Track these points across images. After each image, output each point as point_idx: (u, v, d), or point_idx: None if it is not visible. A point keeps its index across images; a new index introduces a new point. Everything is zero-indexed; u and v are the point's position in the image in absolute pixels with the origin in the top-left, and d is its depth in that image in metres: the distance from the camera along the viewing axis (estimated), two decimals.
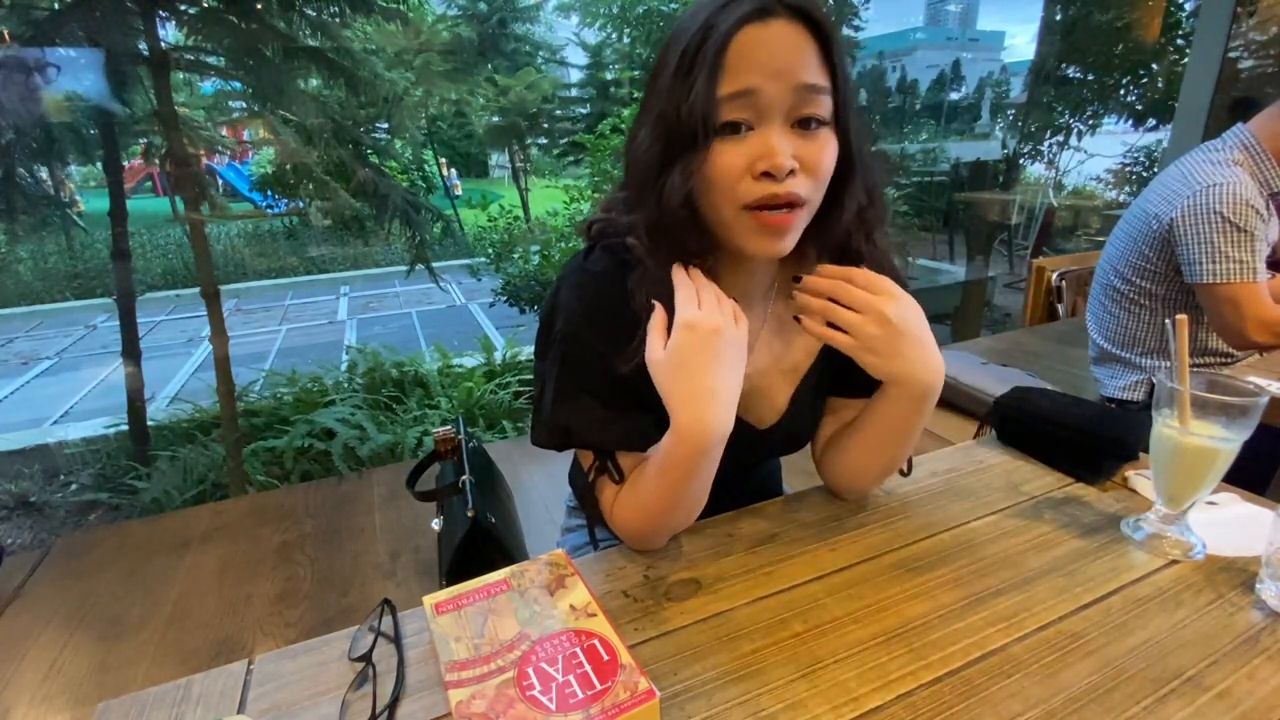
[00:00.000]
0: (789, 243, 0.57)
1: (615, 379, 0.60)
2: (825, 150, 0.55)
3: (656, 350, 0.56)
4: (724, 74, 0.52)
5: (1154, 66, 5.27)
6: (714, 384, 0.54)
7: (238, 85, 3.49)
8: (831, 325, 0.59)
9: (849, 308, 0.57)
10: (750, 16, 0.51)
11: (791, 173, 0.53)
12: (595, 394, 0.61)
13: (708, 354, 0.54)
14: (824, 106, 0.54)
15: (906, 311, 0.57)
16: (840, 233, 0.61)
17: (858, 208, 0.60)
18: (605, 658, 0.45)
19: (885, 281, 0.58)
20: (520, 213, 7.17)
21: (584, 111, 8.12)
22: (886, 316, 0.56)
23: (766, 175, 0.53)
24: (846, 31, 6.57)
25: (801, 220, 0.56)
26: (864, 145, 0.59)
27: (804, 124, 0.54)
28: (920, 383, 0.58)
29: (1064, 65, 5.67)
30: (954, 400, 1.72)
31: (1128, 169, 5.68)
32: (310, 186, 3.58)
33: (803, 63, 0.52)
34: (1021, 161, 6.08)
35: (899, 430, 0.63)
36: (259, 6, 3.13)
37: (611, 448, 0.63)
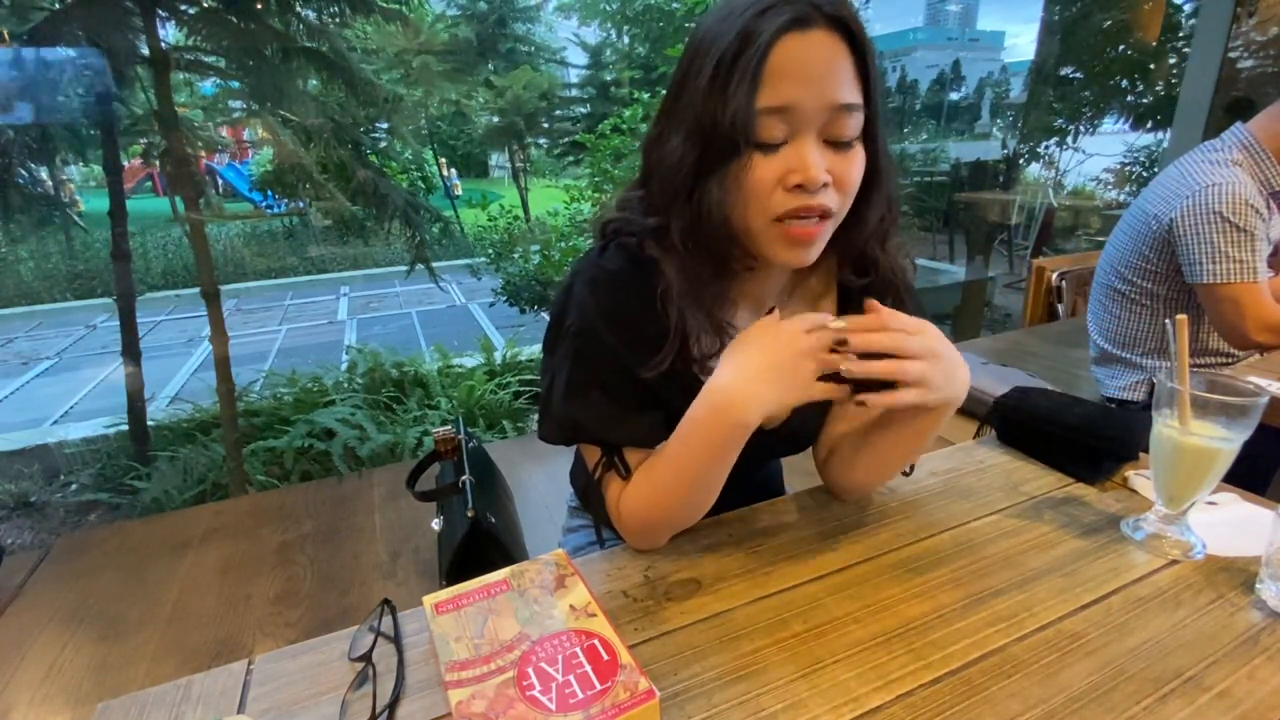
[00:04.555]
0: (814, 253, 0.57)
1: (627, 376, 0.60)
2: (855, 165, 0.55)
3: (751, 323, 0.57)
4: (764, 86, 0.52)
5: (1153, 67, 5.27)
6: (771, 376, 0.53)
7: (237, 85, 3.49)
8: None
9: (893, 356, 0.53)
10: (790, 26, 0.51)
11: (825, 185, 0.53)
12: (606, 390, 0.61)
13: (782, 348, 0.54)
14: (857, 124, 0.54)
15: (939, 337, 0.55)
16: (862, 241, 0.61)
17: (879, 217, 0.60)
18: (605, 658, 0.45)
19: (906, 317, 0.54)
20: (520, 213, 7.17)
21: (584, 111, 8.12)
22: (937, 351, 0.53)
23: (799, 188, 0.53)
24: None
25: (828, 231, 0.57)
26: (889, 156, 0.59)
27: (837, 138, 0.54)
28: (960, 397, 0.57)
29: (1064, 66, 5.67)
30: None
31: (1128, 169, 5.68)
32: (309, 187, 3.58)
33: (839, 78, 0.52)
34: (1021, 161, 6.08)
35: (921, 438, 0.62)
36: (259, 7, 3.13)
37: (621, 444, 0.63)
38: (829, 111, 0.52)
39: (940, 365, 0.53)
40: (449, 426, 1.07)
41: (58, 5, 2.93)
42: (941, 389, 0.53)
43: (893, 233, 0.63)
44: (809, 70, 0.51)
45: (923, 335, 0.53)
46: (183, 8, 2.94)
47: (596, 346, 0.61)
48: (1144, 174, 5.46)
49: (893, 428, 0.62)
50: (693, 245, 0.58)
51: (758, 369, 0.54)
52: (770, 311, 0.57)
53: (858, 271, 0.66)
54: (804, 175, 0.52)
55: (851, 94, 0.53)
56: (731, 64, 0.52)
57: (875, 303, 0.55)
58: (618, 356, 0.60)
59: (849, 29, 0.52)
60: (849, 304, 0.69)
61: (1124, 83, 5.58)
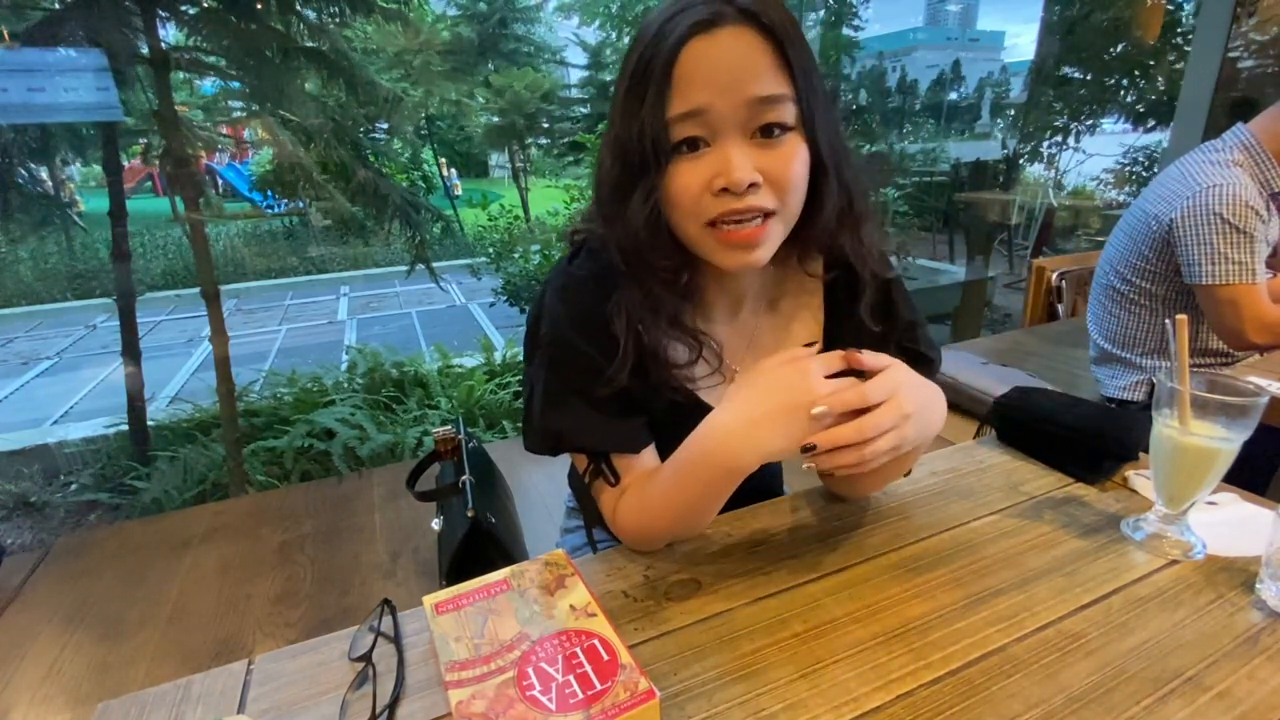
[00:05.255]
0: (761, 255, 0.55)
1: (603, 382, 0.60)
2: (792, 159, 0.53)
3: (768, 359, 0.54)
4: (672, 94, 0.51)
5: (1153, 67, 5.27)
6: (779, 422, 0.50)
7: (237, 85, 3.49)
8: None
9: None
10: (697, 29, 0.50)
11: (754, 186, 0.52)
12: (584, 398, 0.61)
13: (796, 394, 0.50)
14: (785, 113, 0.52)
15: (912, 390, 0.51)
16: (821, 235, 0.60)
17: (836, 210, 0.58)
18: (605, 658, 0.45)
19: (883, 379, 0.50)
20: (520, 212, 7.17)
21: (584, 111, 8.12)
22: (905, 410, 0.49)
23: (725, 191, 0.52)
24: (846, 31, 6.56)
25: (774, 231, 0.55)
26: (838, 145, 0.57)
27: (766, 132, 0.52)
28: (935, 432, 0.55)
29: (1064, 65, 5.67)
30: (954, 400, 1.70)
31: (1127, 169, 5.69)
32: (309, 187, 3.58)
33: (755, 74, 0.51)
34: (1021, 161, 6.08)
35: (899, 467, 0.63)
36: (259, 7, 3.13)
37: (605, 451, 0.63)
38: (747, 108, 0.51)
39: (909, 424, 0.49)
40: (449, 426, 1.07)
41: (58, 5, 2.93)
42: (913, 441, 0.51)
43: (866, 224, 0.61)
44: (718, 71, 0.50)
45: (893, 401, 0.49)
46: (183, 8, 2.94)
47: (570, 354, 0.60)
48: (1144, 174, 5.46)
49: None
50: (632, 260, 0.57)
51: (765, 413, 0.50)
52: (811, 345, 0.55)
53: (833, 265, 0.65)
54: (727, 178, 0.51)
55: (771, 85, 0.51)
56: (643, 75, 0.51)
57: (854, 355, 0.51)
58: (592, 363, 0.59)
59: (763, 22, 0.50)
60: (835, 300, 0.69)
61: (1124, 82, 5.58)
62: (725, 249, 0.55)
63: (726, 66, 0.50)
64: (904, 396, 0.50)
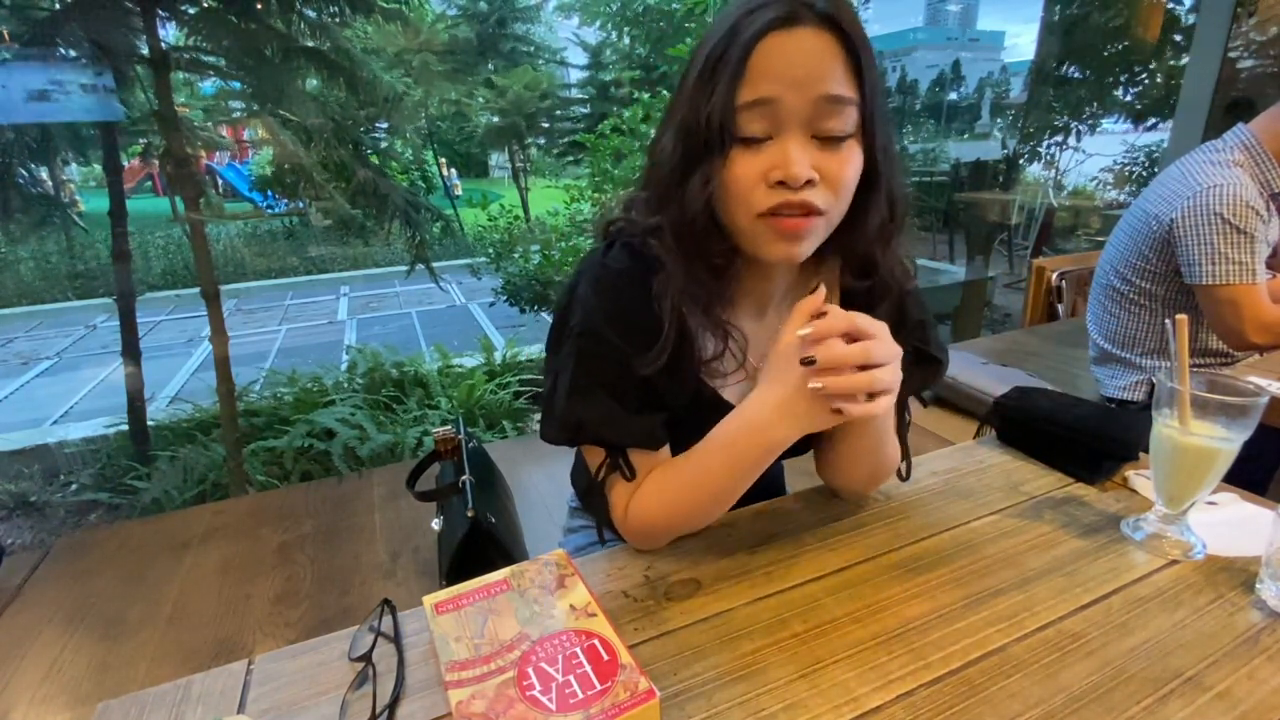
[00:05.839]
0: (805, 249, 0.56)
1: (630, 376, 0.60)
2: (848, 164, 0.54)
3: (790, 334, 0.55)
4: (744, 82, 0.52)
5: (1154, 67, 5.27)
6: (811, 395, 0.52)
7: (238, 85, 3.49)
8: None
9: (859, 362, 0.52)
10: (775, 24, 0.51)
11: (810, 183, 0.53)
12: (610, 390, 0.61)
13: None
14: (848, 119, 0.53)
15: (872, 321, 0.54)
16: (859, 242, 0.61)
17: (880, 220, 0.59)
18: (605, 658, 0.45)
19: (860, 318, 0.54)
20: (520, 212, 7.17)
21: (584, 111, 8.12)
22: (898, 351, 0.53)
23: (781, 184, 0.53)
24: None
25: (819, 227, 0.56)
26: (892, 158, 0.58)
27: (827, 134, 0.53)
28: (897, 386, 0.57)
29: (1064, 65, 5.66)
30: (954, 400, 1.72)
31: (1127, 169, 5.68)
32: (309, 188, 3.58)
33: (826, 73, 0.52)
34: (1021, 161, 6.07)
35: (883, 434, 0.64)
36: (259, 6, 3.13)
37: (624, 445, 0.63)
38: (814, 105, 0.52)
39: (880, 344, 0.52)
40: (449, 426, 1.07)
41: (58, 5, 2.93)
42: (887, 368, 0.53)
43: (897, 235, 0.63)
44: (792, 67, 0.51)
45: (885, 339, 0.52)
46: (183, 8, 2.94)
47: (600, 346, 0.61)
48: (1144, 174, 5.46)
49: (856, 430, 0.63)
50: (685, 242, 0.58)
51: (796, 388, 0.53)
52: (821, 318, 0.56)
53: (859, 274, 0.66)
54: (785, 171, 0.52)
55: (840, 87, 0.52)
56: (717, 62, 0.53)
57: (832, 307, 0.54)
58: (621, 356, 0.60)
59: (840, 27, 0.52)
60: (853, 305, 0.69)
61: (1124, 80, 5.58)
62: (773, 239, 0.56)
63: (801, 63, 0.51)
64: (867, 321, 0.53)
